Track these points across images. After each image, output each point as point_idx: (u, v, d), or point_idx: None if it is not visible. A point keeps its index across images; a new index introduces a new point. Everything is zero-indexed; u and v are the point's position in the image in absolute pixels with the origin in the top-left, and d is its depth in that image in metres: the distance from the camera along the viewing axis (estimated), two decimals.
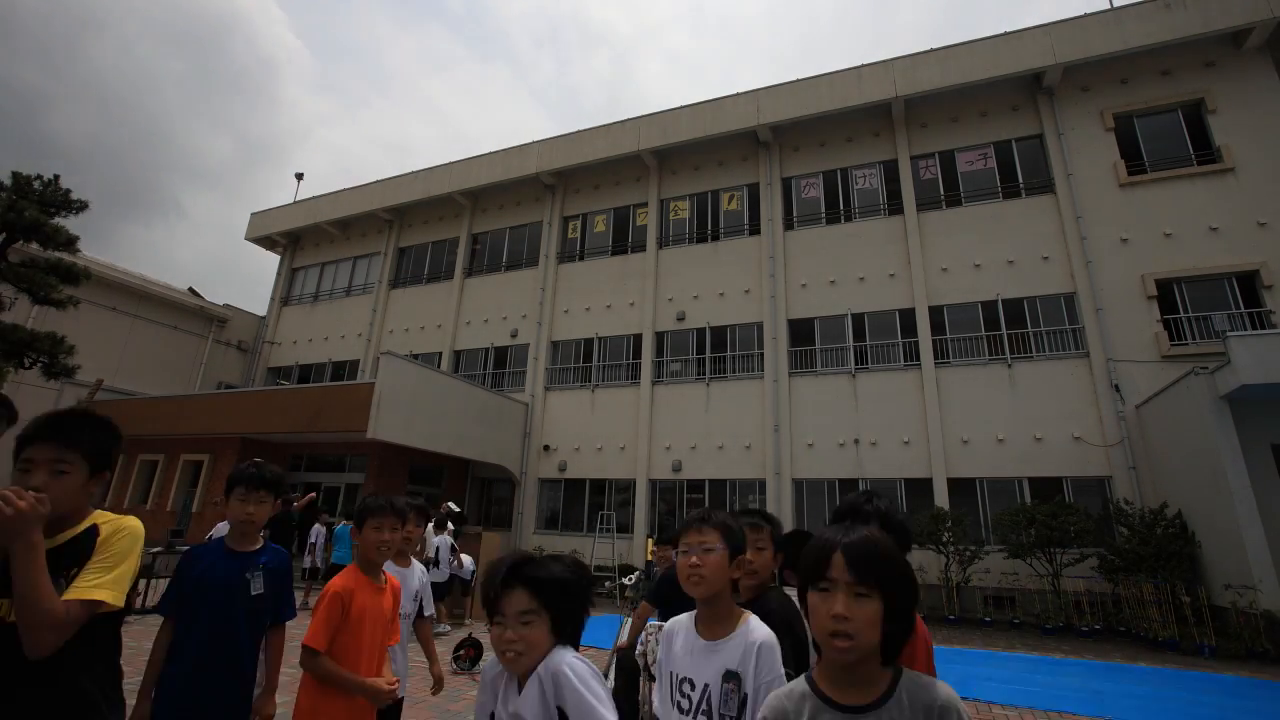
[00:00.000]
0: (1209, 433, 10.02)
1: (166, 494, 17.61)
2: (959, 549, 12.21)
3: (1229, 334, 9.73)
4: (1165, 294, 13.20)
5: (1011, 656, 8.77)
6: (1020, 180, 15.27)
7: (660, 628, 5.37)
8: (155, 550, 9.93)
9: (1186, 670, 8.01)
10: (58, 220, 9.70)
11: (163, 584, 9.95)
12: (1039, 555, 11.62)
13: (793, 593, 2.31)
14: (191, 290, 26.53)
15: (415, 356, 20.10)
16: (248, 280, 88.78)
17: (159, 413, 18.26)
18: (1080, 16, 14.68)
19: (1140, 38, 13.98)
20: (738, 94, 17.93)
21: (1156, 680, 7.39)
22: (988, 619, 11.87)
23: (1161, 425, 11.83)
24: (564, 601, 1.73)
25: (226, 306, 26.10)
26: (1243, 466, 9.61)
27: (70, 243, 9.61)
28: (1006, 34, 15.26)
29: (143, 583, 9.54)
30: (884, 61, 16.25)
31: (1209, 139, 13.65)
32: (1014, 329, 14.28)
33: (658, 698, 2.03)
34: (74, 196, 9.85)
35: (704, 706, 1.91)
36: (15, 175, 9.39)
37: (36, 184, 9.41)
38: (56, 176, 9.61)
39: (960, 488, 13.73)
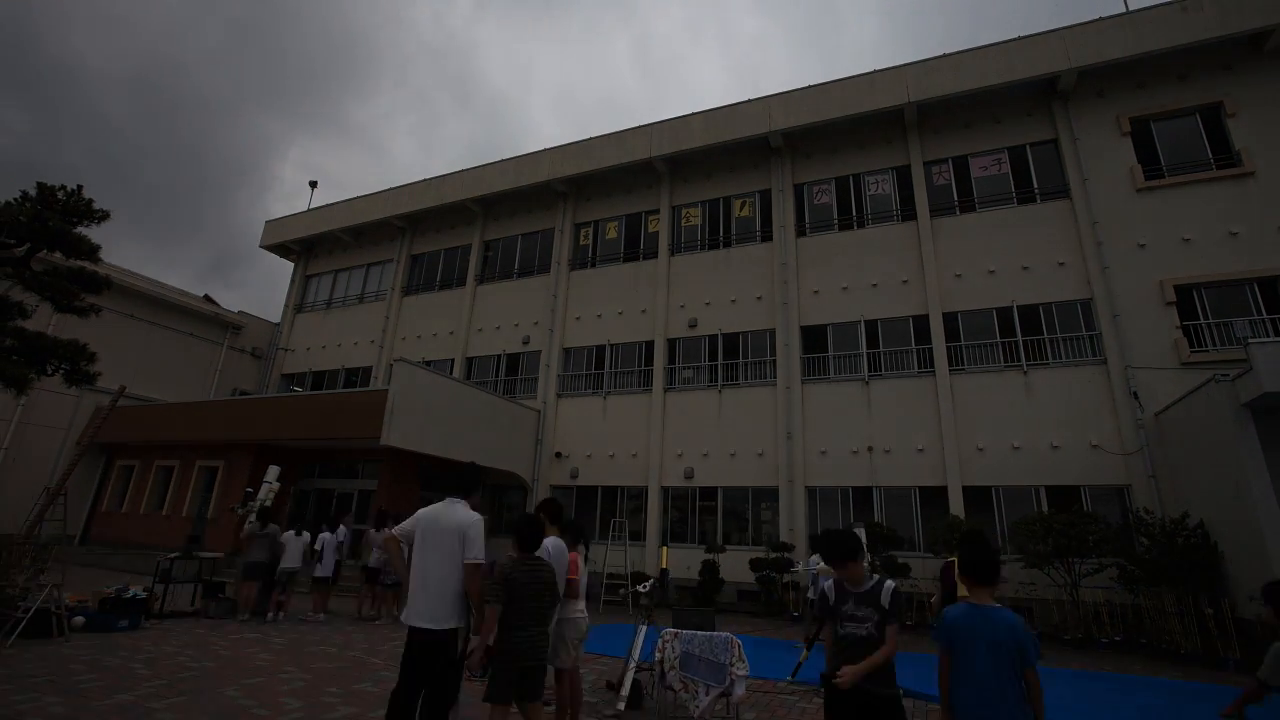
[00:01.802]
0: (1231, 441, 9.86)
1: (182, 500, 17.77)
2: None
3: (1251, 340, 9.55)
4: (1184, 300, 13.02)
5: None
6: (1035, 185, 15.15)
7: (676, 634, 5.34)
8: (173, 556, 10.00)
9: (1212, 684, 7.86)
10: (80, 230, 9.84)
11: (183, 589, 10.03)
12: (1057, 565, 11.46)
13: None
14: (207, 297, 26.87)
15: (428, 363, 20.23)
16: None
17: (175, 419, 18.49)
18: (1095, 20, 14.58)
19: (1157, 41, 13.86)
20: (749, 100, 17.94)
21: (1181, 694, 7.25)
22: None
23: (1182, 433, 11.66)
24: None
25: (241, 313, 26.40)
26: (1266, 476, 9.43)
27: (92, 252, 9.73)
28: (1020, 38, 15.17)
29: (160, 588, 9.61)
30: (897, 67, 16.21)
31: (1228, 143, 13.48)
32: (1029, 335, 14.14)
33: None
34: (96, 206, 9.99)
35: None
36: (40, 186, 9.52)
37: (60, 194, 9.55)
38: (79, 186, 9.74)
39: (976, 496, 13.59)
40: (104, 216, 9.91)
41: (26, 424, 18.62)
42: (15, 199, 9.49)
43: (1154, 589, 10.46)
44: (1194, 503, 11.06)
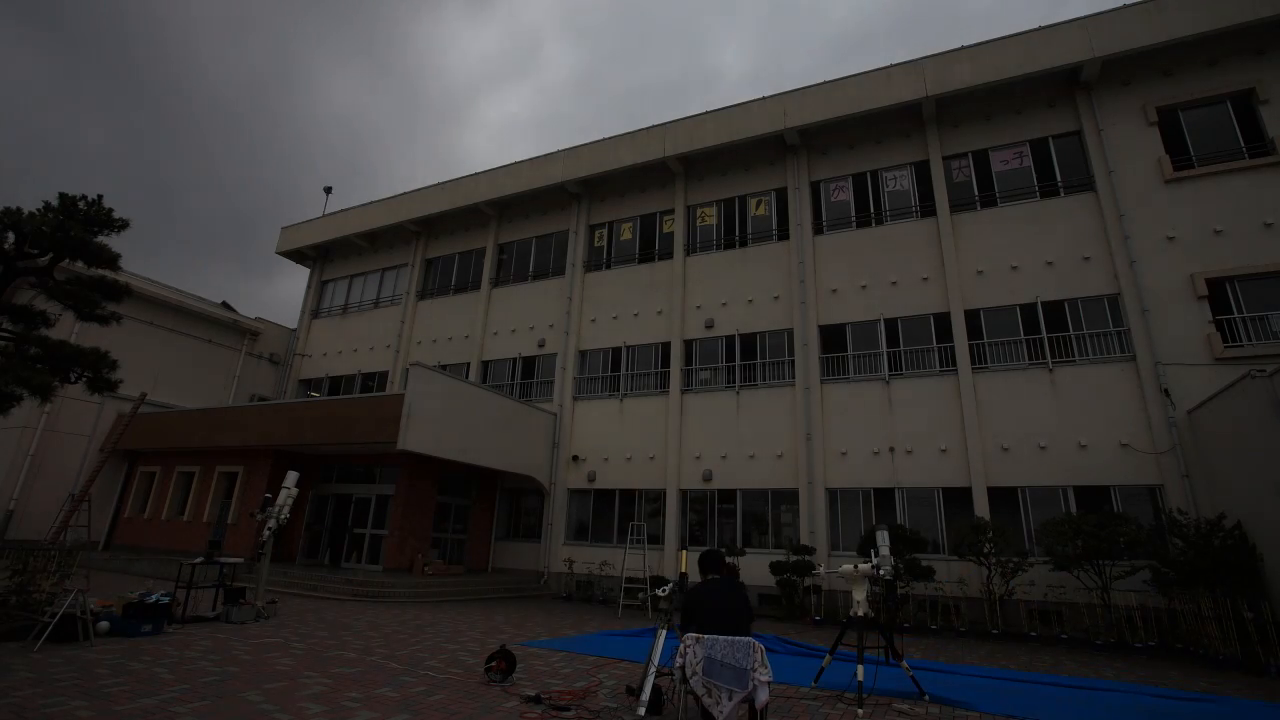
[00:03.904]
0: (1269, 438, 9.54)
1: (203, 505, 17.96)
2: (1001, 560, 11.81)
3: None
4: (1217, 293, 12.66)
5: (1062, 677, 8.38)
6: (1059, 179, 14.84)
7: (697, 639, 5.24)
8: (195, 561, 10.05)
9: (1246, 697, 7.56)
10: (101, 239, 9.96)
11: (204, 595, 10.09)
12: (1087, 567, 11.19)
13: None
14: (225, 304, 27.20)
15: (443, 367, 20.29)
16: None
17: (194, 425, 18.69)
18: (1119, 8, 14.25)
19: (1184, 27, 13.51)
20: (764, 98, 17.79)
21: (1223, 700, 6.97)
22: (1033, 634, 11.46)
23: (1217, 431, 11.31)
24: None
25: (258, 319, 26.69)
26: None
27: (113, 260, 9.83)
28: (1041, 28, 14.88)
29: (183, 593, 9.66)
30: (914, 61, 15.97)
31: (1261, 130, 13.10)
32: (1055, 332, 13.83)
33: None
34: (115, 215, 10.11)
35: None
36: (62, 196, 9.65)
37: (81, 204, 9.66)
38: (100, 196, 9.84)
39: (1001, 497, 13.32)
40: (124, 225, 10.00)
41: (51, 431, 18.93)
42: (38, 209, 9.61)
43: (1189, 592, 10.12)
44: (1230, 503, 10.71)
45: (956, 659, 9.29)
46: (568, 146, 21.39)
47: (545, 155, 21.33)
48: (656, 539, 16.28)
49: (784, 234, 17.48)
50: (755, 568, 14.17)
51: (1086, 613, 11.28)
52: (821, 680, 6.80)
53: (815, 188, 17.56)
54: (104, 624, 8.08)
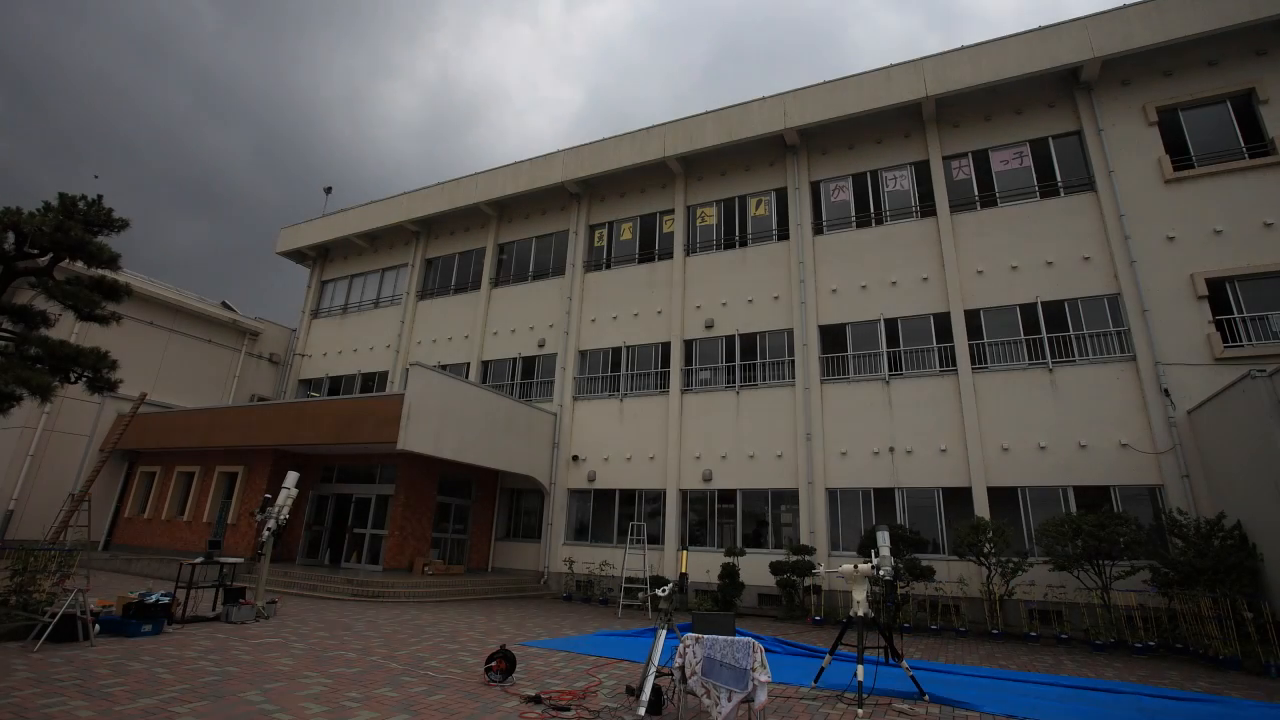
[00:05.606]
0: (1269, 438, 9.53)
1: (203, 505, 17.96)
2: (1001, 560, 11.81)
3: None
4: (1217, 294, 12.66)
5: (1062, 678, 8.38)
6: (1059, 179, 14.84)
7: (697, 639, 5.24)
8: (195, 561, 10.05)
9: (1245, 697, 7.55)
10: (101, 238, 9.95)
11: (205, 594, 10.10)
12: (1086, 567, 11.19)
13: None
14: (225, 304, 27.19)
15: (443, 367, 20.29)
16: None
17: (195, 425, 18.69)
18: (1119, 8, 14.24)
19: (1184, 27, 13.50)
20: (764, 98, 17.78)
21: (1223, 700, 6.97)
22: (1033, 634, 11.45)
23: (1216, 431, 11.31)
24: None
25: (258, 319, 26.68)
26: None
27: (112, 260, 9.82)
28: (1041, 28, 14.87)
29: (183, 593, 9.66)
30: (914, 61, 15.96)
31: (1261, 131, 13.09)
32: (1055, 332, 13.83)
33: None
34: (115, 215, 10.10)
35: None
36: (61, 196, 9.64)
37: (81, 204, 9.66)
38: (100, 196, 9.85)
39: (1001, 497, 13.31)
40: (124, 225, 10.00)
41: (51, 432, 18.93)
42: (38, 209, 9.61)
43: (1189, 592, 10.12)
44: (1230, 503, 10.72)
45: (956, 659, 9.29)
46: (568, 146, 21.38)
47: (545, 155, 21.32)
48: (656, 539, 16.28)
49: (784, 234, 17.47)
50: (755, 568, 14.18)
51: (1086, 613, 11.28)
52: (821, 680, 6.80)
53: (815, 188, 17.56)
54: (95, 628, 8.07)
